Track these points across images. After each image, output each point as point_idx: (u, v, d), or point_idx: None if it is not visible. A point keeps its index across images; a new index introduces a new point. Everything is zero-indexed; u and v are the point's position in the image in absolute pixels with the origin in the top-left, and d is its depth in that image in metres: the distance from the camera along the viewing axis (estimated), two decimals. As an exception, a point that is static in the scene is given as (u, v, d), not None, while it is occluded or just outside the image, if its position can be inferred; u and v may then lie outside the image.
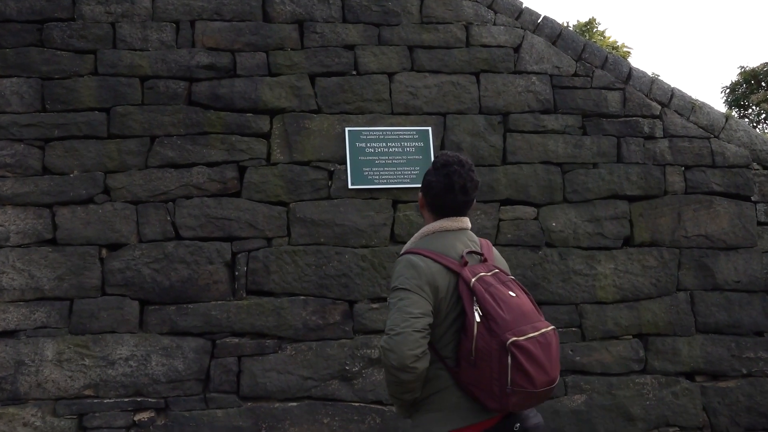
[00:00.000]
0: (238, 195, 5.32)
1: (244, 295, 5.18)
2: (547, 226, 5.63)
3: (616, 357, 5.55)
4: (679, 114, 5.98)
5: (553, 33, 5.93)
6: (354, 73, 5.62)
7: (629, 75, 6.00)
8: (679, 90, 6.08)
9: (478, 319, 2.44)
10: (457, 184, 2.70)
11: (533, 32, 5.91)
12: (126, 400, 4.96)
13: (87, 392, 4.95)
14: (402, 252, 2.73)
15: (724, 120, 6.08)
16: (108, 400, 4.95)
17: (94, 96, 5.27)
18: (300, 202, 5.33)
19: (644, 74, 6.08)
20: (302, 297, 5.22)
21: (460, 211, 2.74)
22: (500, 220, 5.59)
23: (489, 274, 2.58)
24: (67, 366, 4.95)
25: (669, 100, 6.03)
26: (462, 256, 2.61)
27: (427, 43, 5.73)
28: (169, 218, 5.19)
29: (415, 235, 2.80)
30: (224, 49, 5.47)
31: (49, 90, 5.25)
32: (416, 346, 2.43)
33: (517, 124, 5.75)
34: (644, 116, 5.95)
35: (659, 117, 5.98)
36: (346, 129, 5.47)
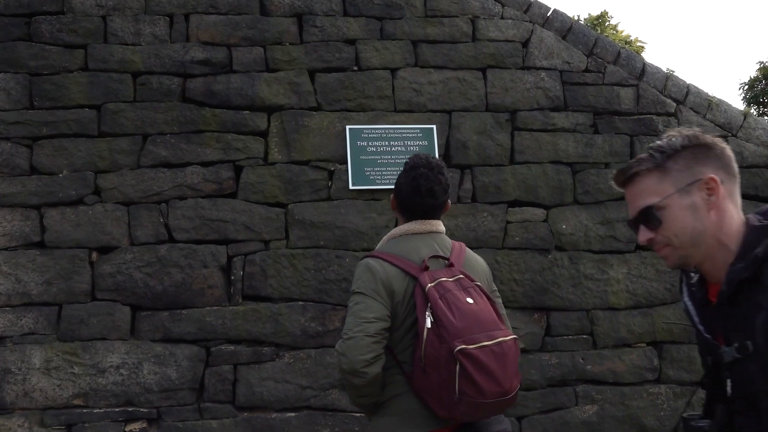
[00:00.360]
0: (234, 196, 5.32)
1: (240, 301, 5.18)
2: (557, 229, 5.63)
3: (629, 366, 5.54)
4: (695, 111, 5.99)
5: (563, 27, 5.94)
6: (355, 68, 5.62)
7: (643, 71, 6.00)
8: (695, 86, 6.09)
9: (428, 325, 2.49)
10: (424, 187, 2.77)
11: (542, 26, 5.92)
12: (117, 410, 4.96)
13: (76, 402, 4.96)
14: (364, 255, 2.81)
15: (742, 118, 6.08)
16: (98, 410, 4.95)
17: (84, 92, 5.28)
18: (299, 204, 5.34)
19: (658, 70, 6.08)
20: (301, 302, 5.22)
21: (429, 214, 2.81)
22: (508, 222, 5.59)
23: (451, 279, 2.62)
24: (55, 374, 4.95)
25: (684, 97, 6.03)
26: (423, 260, 2.66)
27: (431, 38, 5.74)
28: (162, 220, 5.20)
29: (384, 237, 2.88)
30: (220, 44, 5.48)
31: (38, 86, 5.26)
32: (367, 351, 2.50)
33: (526, 122, 5.75)
34: (658, 114, 5.95)
35: (674, 115, 5.98)
36: (347, 127, 5.47)
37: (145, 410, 4.99)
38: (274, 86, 5.46)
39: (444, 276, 2.62)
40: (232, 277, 5.20)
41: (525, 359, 5.41)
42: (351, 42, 5.65)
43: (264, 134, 5.44)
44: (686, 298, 1.74)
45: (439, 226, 2.85)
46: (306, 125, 5.44)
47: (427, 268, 2.63)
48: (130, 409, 4.98)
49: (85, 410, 4.95)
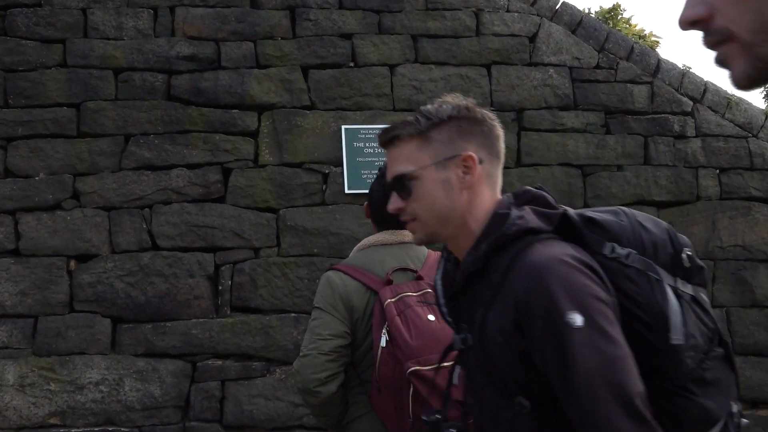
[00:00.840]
0: (222, 200, 5.31)
1: (229, 312, 5.18)
2: (567, 236, 5.62)
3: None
4: (713, 111, 5.99)
5: (573, 20, 5.94)
6: (351, 64, 5.62)
7: (658, 67, 6.00)
8: (713, 84, 6.08)
9: (383, 344, 2.49)
10: None
11: (551, 20, 5.93)
12: (96, 429, 4.94)
13: (53, 421, 4.94)
14: (328, 268, 2.82)
15: (763, 117, 6.08)
16: (76, 430, 4.93)
17: (63, 90, 5.27)
18: (291, 209, 5.33)
19: (674, 66, 6.08)
20: (293, 314, 5.21)
21: (400, 224, 2.76)
22: (514, 228, 5.57)
23: (415, 294, 2.60)
24: (30, 391, 4.93)
25: (702, 95, 6.03)
26: (387, 274, 2.65)
27: (432, 32, 5.74)
28: (145, 226, 5.19)
29: (354, 248, 2.88)
30: (207, 39, 5.48)
31: (13, 83, 5.26)
32: (321, 370, 2.52)
33: (533, 121, 5.75)
34: (674, 113, 5.95)
35: (691, 114, 5.98)
36: (343, 127, 5.47)
37: (126, 430, 4.97)
38: (265, 83, 5.46)
39: (409, 290, 2.59)
40: (220, 287, 5.19)
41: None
42: (347, 36, 5.65)
43: (254, 135, 5.43)
44: (438, 276, 1.73)
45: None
46: (299, 125, 5.44)
47: (389, 282, 2.62)
48: (111, 429, 4.96)
49: (62, 430, 4.93)
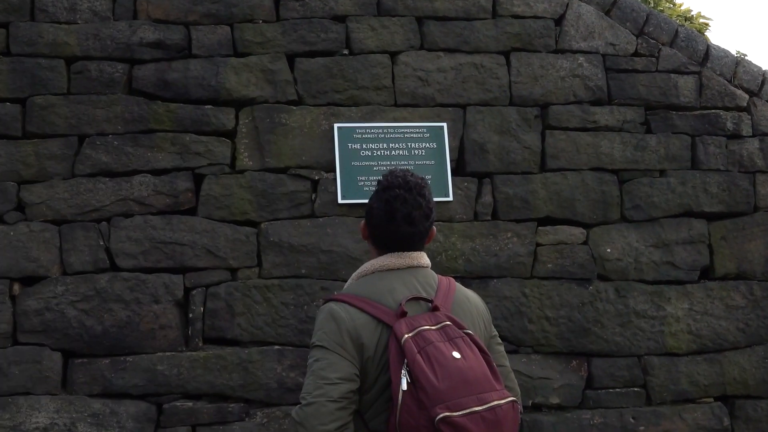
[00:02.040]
0: (193, 212, 5.30)
1: (201, 345, 5.16)
2: (600, 253, 5.61)
3: (693, 426, 5.50)
4: (772, 105, 6.00)
5: (607, 0, 5.95)
6: (346, 52, 5.62)
7: (707, 55, 6.00)
8: (772, 74, 6.10)
9: (404, 386, 2.46)
10: (400, 212, 2.74)
11: (580, -1, 5.94)
12: (43, 483, 4.92)
13: (-8, 473, 4.91)
14: (327, 298, 2.78)
15: (831, 113, 6.07)
16: (20, 484, 4.90)
17: (5, 83, 5.27)
18: (274, 222, 5.32)
19: (726, 54, 6.09)
20: (277, 346, 5.19)
21: (407, 245, 2.80)
22: (538, 244, 5.57)
23: (434, 327, 2.58)
24: (-34, 438, 4.92)
25: (759, 87, 6.03)
26: (400, 304, 2.63)
27: (441, 14, 5.75)
28: (102, 243, 5.18)
29: (353, 274, 2.86)
30: (176, 22, 5.48)
31: (-53, 75, 5.27)
32: (330, 420, 2.48)
33: (560, 118, 5.75)
34: (726, 108, 5.95)
35: (746, 109, 5.98)
36: (335, 125, 5.46)
37: (79, 484, 4.94)
38: (244, 74, 5.46)
39: (426, 323, 2.58)
40: (191, 315, 5.17)
41: (560, 418, 5.36)
42: (340, 19, 5.66)
43: (231, 134, 5.43)
44: None
45: (422, 258, 2.83)
46: (284, 123, 5.44)
47: (404, 314, 2.60)
48: (61, 483, 4.93)
49: (3, 484, 4.90)
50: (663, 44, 5.95)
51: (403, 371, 2.48)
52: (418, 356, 2.48)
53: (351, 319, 2.61)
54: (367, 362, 2.58)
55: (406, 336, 2.52)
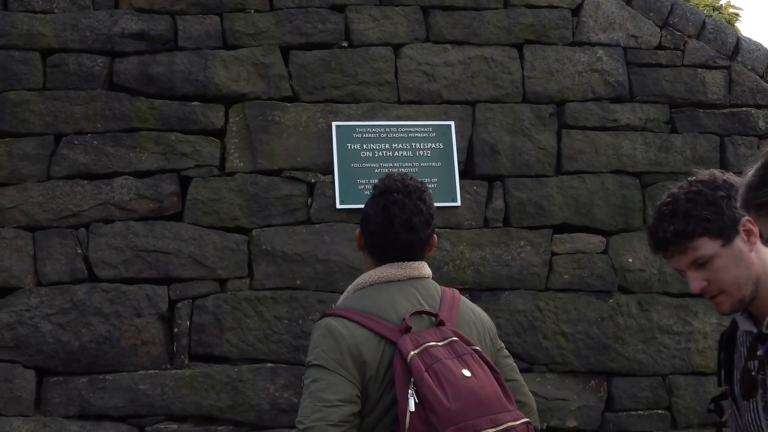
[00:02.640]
0: (178, 218, 5.30)
1: (187, 362, 5.15)
2: (621, 263, 5.60)
3: (722, 452, 5.48)
4: (808, 103, 6.00)
5: (628, -12, 5.97)
6: (345, 44, 5.63)
7: (737, 48, 6.00)
8: (808, 69, 6.10)
9: (412, 407, 2.45)
10: (398, 218, 2.74)
11: (599, -13, 5.95)
12: None
13: (-41, 501, 4.90)
14: (323, 313, 2.78)
15: None
16: None
17: (-24, 77, 5.29)
18: (267, 229, 5.32)
19: (759, 47, 6.09)
20: (270, 364, 5.18)
21: (407, 254, 2.80)
22: (553, 254, 5.56)
23: (441, 343, 2.59)
24: (-69, 463, 4.91)
25: (794, 82, 6.03)
26: (404, 319, 2.62)
27: (448, 3, 5.75)
28: (80, 251, 5.18)
29: (349, 287, 2.85)
30: (160, 11, 5.49)
31: None
32: None
33: (577, 116, 5.75)
34: (758, 106, 5.94)
35: (780, 107, 5.98)
36: (333, 124, 5.46)
37: None
38: (234, 68, 5.46)
39: (432, 339, 2.58)
40: (176, 330, 5.17)
41: (578, 443, 5.35)
42: (339, 9, 5.66)
43: (220, 134, 5.43)
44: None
45: (423, 269, 2.83)
46: (278, 121, 5.44)
47: (408, 329, 2.59)
48: None
49: None
50: (689, 36, 5.94)
51: (410, 391, 2.47)
52: (426, 375, 2.48)
53: (351, 336, 2.60)
54: (368, 382, 2.57)
55: (412, 353, 2.52)
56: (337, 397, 2.51)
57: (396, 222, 2.74)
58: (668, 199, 2.41)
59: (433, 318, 2.69)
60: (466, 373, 2.53)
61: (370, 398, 2.58)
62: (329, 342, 2.60)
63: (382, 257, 2.80)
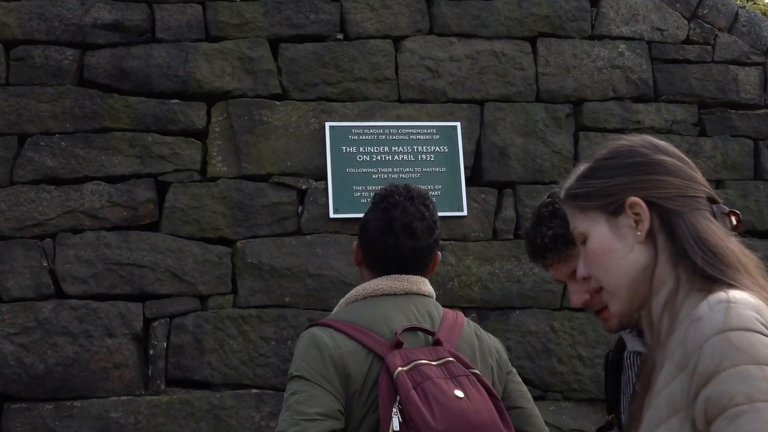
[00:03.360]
0: (155, 228, 5.30)
1: (163, 387, 5.14)
2: (645, 280, 5.58)
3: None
4: None
5: (653, -24, 5.97)
6: (340, 37, 5.64)
7: (772, 42, 6.01)
8: None
9: (396, 426, 2.47)
10: (399, 221, 2.75)
11: (621, -25, 5.96)
12: None
13: None
14: (310, 323, 2.80)
15: None
16: None
17: (-68, 71, 5.30)
18: (253, 240, 5.32)
19: (796, 41, 6.09)
20: (255, 390, 5.17)
21: (406, 265, 2.82)
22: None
23: (434, 363, 2.59)
24: None
25: (835, 81, 6.03)
26: (396, 333, 2.63)
27: (454, -8, 5.76)
28: (45, 264, 5.17)
29: (341, 301, 2.88)
30: (137, 0, 5.49)
31: None
32: None
33: (596, 117, 5.77)
34: (797, 106, 5.96)
35: (820, 108, 5.98)
36: (327, 125, 5.47)
37: None
38: (218, 63, 5.46)
39: (425, 357, 2.58)
40: (151, 352, 5.16)
41: (596, 479, 5.32)
42: (334, -3, 5.68)
43: (201, 135, 5.44)
44: None
45: (423, 285, 2.84)
46: (265, 121, 5.44)
47: (399, 345, 2.60)
48: None
49: None
50: (720, 30, 5.96)
51: (394, 409, 2.49)
52: (413, 393, 2.49)
53: (336, 346, 2.61)
54: (353, 397, 2.59)
55: (400, 369, 2.53)
56: (316, 411, 2.52)
57: (396, 226, 2.75)
58: (548, 200, 2.32)
59: (429, 336, 2.69)
60: (459, 393, 2.53)
61: (354, 415, 2.59)
62: (312, 352, 2.62)
63: (380, 268, 2.82)
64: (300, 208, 5.42)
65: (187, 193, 5.33)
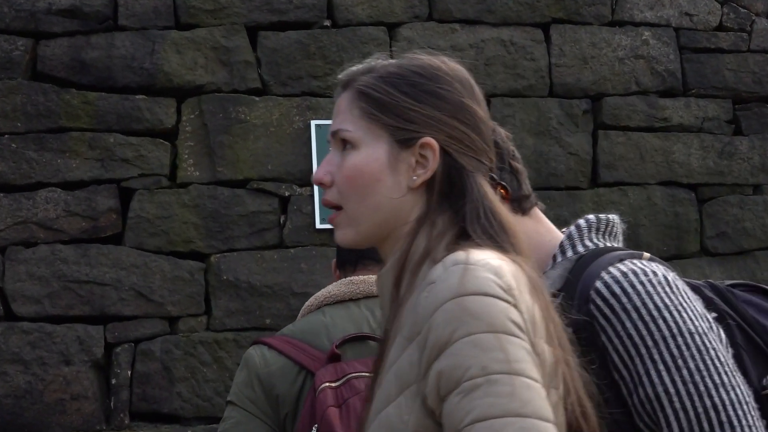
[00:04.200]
0: (118, 240, 5.30)
1: (127, 421, 5.12)
2: (673, 297, 5.56)
3: None
4: None
5: (681, -45, 5.96)
6: (327, 23, 5.65)
7: (816, 28, 6.00)
8: None
9: None
10: None
11: (645, -47, 5.97)
12: None
13: None
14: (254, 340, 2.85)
15: None
16: None
17: None
18: (229, 254, 5.32)
19: (842, 27, 6.07)
20: (231, 425, 5.14)
21: (369, 264, 2.82)
22: (588, 285, 5.52)
23: None
24: None
25: None
26: (333, 345, 2.64)
27: (456, -28, 5.76)
28: (-7, 282, 5.14)
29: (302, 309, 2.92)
30: (97, -18, 5.48)
31: None
32: None
33: (618, 114, 5.76)
34: (844, 101, 5.97)
35: None
36: (313, 123, 5.51)
37: None
38: (189, 53, 5.46)
39: (364, 369, 2.54)
40: (114, 381, 5.15)
41: None
42: (320, -21, 5.68)
43: (171, 135, 5.43)
44: None
45: None
46: (243, 120, 5.44)
47: (336, 358, 2.60)
48: None
49: None
50: (757, 14, 5.98)
51: (313, 430, 2.51)
52: (332, 410, 2.50)
53: (265, 365, 2.64)
54: (286, 421, 2.61)
55: (325, 385, 2.53)
56: None
57: None
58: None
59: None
60: None
61: None
62: (242, 374, 2.66)
63: (343, 270, 2.85)
64: (282, 218, 5.43)
65: (154, 201, 5.32)
